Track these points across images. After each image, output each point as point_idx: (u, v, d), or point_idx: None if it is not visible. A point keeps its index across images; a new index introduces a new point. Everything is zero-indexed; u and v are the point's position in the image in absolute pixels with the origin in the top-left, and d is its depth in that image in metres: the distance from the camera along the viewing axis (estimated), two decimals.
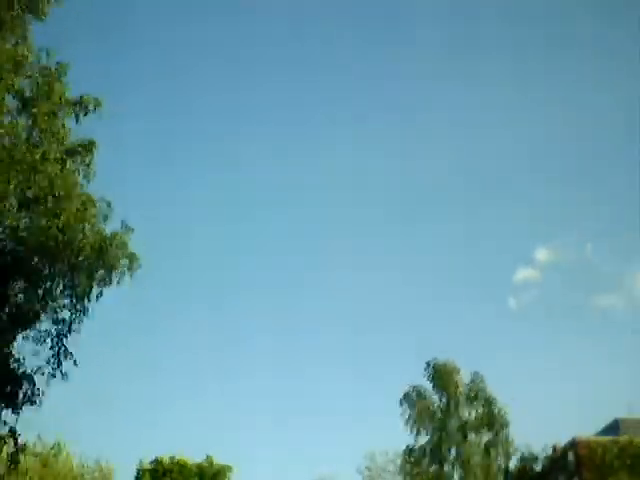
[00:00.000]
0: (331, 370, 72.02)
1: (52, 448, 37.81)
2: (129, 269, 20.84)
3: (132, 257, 20.96)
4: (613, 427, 43.86)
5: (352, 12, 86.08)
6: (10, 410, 19.76)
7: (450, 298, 75.29)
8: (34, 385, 19.76)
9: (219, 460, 46.56)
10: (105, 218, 20.95)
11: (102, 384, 61.54)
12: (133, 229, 21.17)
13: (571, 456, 41.16)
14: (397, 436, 53.32)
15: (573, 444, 41.65)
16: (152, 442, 63.12)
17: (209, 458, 46.43)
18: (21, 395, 19.59)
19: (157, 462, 45.70)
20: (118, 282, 20.79)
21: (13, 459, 20.08)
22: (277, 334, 78.60)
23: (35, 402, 19.84)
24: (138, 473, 45.49)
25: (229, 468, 46.51)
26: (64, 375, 20.08)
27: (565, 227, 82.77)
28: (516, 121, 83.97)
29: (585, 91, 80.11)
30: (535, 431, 43.63)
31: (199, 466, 46.10)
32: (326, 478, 47.86)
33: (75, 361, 20.21)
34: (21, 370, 19.78)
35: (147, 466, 45.73)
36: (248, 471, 54.93)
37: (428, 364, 43.96)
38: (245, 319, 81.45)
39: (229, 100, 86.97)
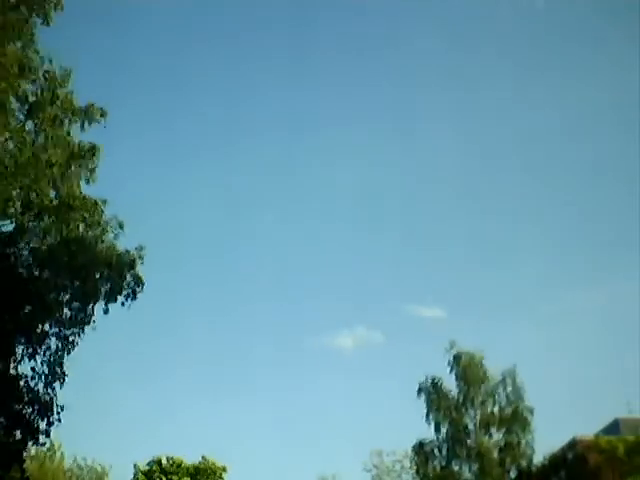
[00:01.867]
0: (334, 369, 72.09)
1: (48, 449, 37.80)
2: (133, 291, 20.83)
3: (138, 279, 21.01)
4: (613, 427, 43.91)
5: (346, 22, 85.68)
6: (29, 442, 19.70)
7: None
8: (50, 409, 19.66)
9: (216, 460, 46.87)
10: (116, 237, 20.98)
11: (99, 384, 61.48)
12: (143, 252, 21.15)
13: (571, 456, 41.16)
14: (402, 435, 53.22)
15: (573, 444, 41.65)
16: (149, 442, 63.20)
17: (205, 458, 46.70)
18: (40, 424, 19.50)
19: (154, 462, 45.94)
20: (122, 304, 20.77)
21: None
22: (278, 334, 78.67)
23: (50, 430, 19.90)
24: (135, 474, 45.72)
25: (224, 468, 46.75)
26: (55, 396, 19.97)
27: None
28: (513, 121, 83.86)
29: (585, 90, 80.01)
30: (535, 431, 43.66)
31: (195, 466, 46.38)
32: (327, 478, 47.77)
33: (64, 381, 20.10)
34: (34, 392, 19.67)
35: (144, 467, 45.99)
36: (248, 472, 55.03)
37: (451, 347, 42.61)
38: (245, 319, 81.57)
39: (229, 100, 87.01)
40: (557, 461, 40.97)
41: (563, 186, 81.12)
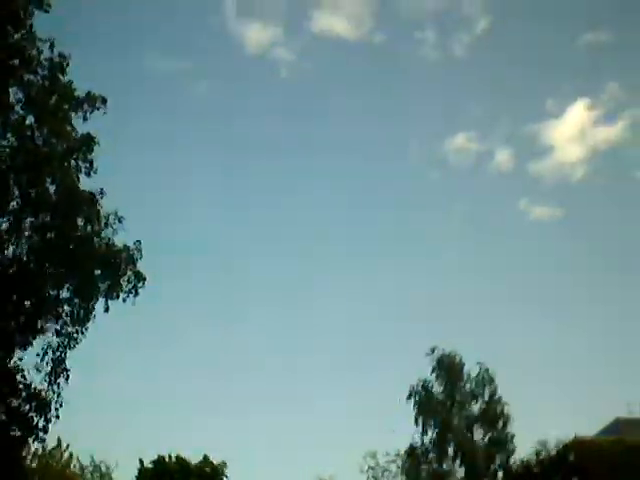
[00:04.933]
0: (330, 370, 71.90)
1: (53, 448, 37.55)
2: (134, 287, 20.71)
3: (139, 275, 20.87)
4: (613, 427, 43.88)
5: None
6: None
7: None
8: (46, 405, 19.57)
9: (215, 459, 46.74)
10: (115, 232, 20.84)
11: (102, 382, 61.32)
12: (142, 247, 21.07)
13: (571, 456, 41.07)
14: (399, 435, 53.13)
15: (573, 444, 41.55)
16: (151, 440, 62.75)
17: (206, 458, 46.55)
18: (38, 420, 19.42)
19: (159, 461, 45.62)
20: (124, 300, 20.64)
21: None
22: (277, 333, 78.52)
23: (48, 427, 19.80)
24: (140, 473, 45.43)
25: (224, 464, 46.62)
26: (59, 394, 19.96)
27: None
28: None
29: None
30: (534, 431, 43.71)
31: (198, 466, 46.18)
32: (325, 479, 47.42)
33: (68, 378, 20.05)
34: (32, 388, 19.62)
35: (148, 465, 45.73)
36: (246, 472, 54.80)
37: (432, 351, 43.23)
38: (245, 317, 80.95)
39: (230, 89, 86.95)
40: (557, 461, 40.90)
41: None
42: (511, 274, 76.90)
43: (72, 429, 39.31)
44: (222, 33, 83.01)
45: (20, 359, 19.75)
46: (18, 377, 19.69)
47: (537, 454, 40.29)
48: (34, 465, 34.16)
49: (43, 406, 19.52)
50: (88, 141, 20.75)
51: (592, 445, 38.72)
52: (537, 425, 43.79)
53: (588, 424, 46.54)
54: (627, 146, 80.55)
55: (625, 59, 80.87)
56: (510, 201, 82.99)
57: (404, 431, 42.62)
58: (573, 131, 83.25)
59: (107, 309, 20.68)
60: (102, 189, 20.76)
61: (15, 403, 19.40)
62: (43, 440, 20.45)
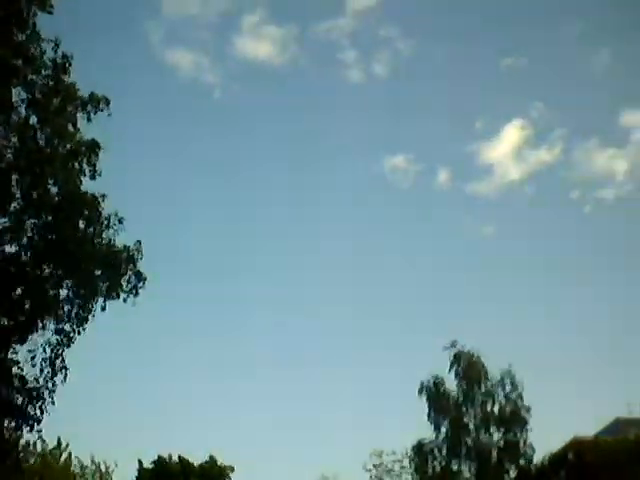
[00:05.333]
0: (334, 369, 72.06)
1: (54, 448, 37.53)
2: (134, 287, 20.72)
3: (139, 275, 20.87)
4: (613, 427, 43.86)
5: None
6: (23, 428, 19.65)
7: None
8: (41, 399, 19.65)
9: (221, 460, 46.60)
10: (116, 233, 20.84)
11: (102, 381, 61.44)
12: (142, 247, 21.07)
13: (571, 456, 41.07)
14: (403, 433, 53.22)
15: (573, 444, 41.56)
16: (153, 441, 62.84)
17: (212, 458, 46.29)
18: (32, 411, 19.51)
19: (160, 462, 45.40)
20: (124, 300, 20.69)
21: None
22: (279, 333, 78.68)
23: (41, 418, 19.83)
24: (139, 473, 45.28)
25: (231, 468, 46.40)
26: (52, 392, 20.03)
27: None
28: None
29: None
30: (535, 431, 43.69)
31: (202, 466, 45.98)
32: (328, 478, 47.33)
33: (66, 376, 20.10)
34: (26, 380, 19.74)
35: (148, 465, 45.58)
36: (249, 471, 54.94)
37: (452, 345, 42.58)
38: (247, 316, 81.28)
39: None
40: (557, 461, 40.84)
41: None
42: (506, 276, 77.48)
43: (72, 429, 39.42)
44: (150, 59, 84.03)
45: (15, 353, 19.87)
46: (14, 369, 19.76)
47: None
48: (32, 462, 34.07)
49: (37, 397, 19.56)
50: (93, 146, 20.77)
51: (592, 445, 38.64)
52: (537, 425, 43.55)
53: (588, 424, 46.54)
54: (560, 166, 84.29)
55: (544, 81, 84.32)
56: (453, 219, 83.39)
57: (415, 428, 42.38)
58: (509, 151, 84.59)
59: (104, 308, 20.71)
60: (104, 194, 20.84)
61: (8, 395, 19.45)
62: (39, 431, 20.42)
